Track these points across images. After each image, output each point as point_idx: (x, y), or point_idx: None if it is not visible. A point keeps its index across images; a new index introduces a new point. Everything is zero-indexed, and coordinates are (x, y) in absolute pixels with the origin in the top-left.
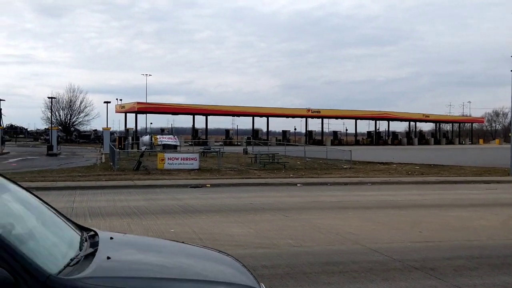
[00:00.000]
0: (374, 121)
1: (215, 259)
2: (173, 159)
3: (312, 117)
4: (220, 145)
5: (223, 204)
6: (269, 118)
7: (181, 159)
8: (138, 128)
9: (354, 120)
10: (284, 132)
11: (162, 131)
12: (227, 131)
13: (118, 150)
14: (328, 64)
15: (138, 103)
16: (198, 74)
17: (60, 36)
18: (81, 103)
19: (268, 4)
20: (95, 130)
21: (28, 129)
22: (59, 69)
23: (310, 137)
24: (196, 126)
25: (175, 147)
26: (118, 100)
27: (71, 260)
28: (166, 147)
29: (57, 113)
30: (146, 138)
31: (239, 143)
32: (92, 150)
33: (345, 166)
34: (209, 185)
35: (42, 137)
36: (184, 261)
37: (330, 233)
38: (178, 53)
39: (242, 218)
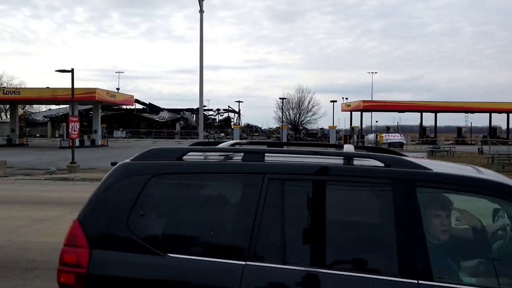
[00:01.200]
0: None
1: None
2: None
3: None
4: (451, 143)
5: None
6: (510, 114)
7: None
8: (363, 126)
9: None
10: None
11: (387, 129)
12: (459, 129)
13: None
14: None
15: (364, 101)
16: (427, 70)
17: (292, 40)
18: (309, 102)
19: None
20: (322, 128)
21: (262, 128)
22: (290, 71)
23: None
24: (424, 123)
25: (401, 145)
26: (344, 99)
27: None
28: (392, 146)
29: (287, 113)
30: (371, 136)
31: (473, 142)
32: None
33: None
34: None
35: (274, 135)
36: None
37: None
38: (406, 49)
39: None
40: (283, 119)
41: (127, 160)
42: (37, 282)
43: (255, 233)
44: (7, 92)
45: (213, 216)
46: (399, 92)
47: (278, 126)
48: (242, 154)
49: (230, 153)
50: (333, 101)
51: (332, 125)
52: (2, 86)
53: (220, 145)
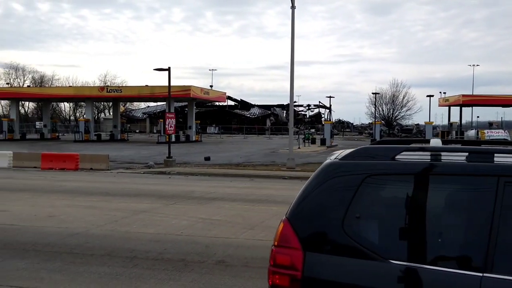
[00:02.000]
0: None
1: None
2: None
3: None
4: None
5: None
6: None
7: None
8: (463, 122)
9: None
10: None
11: (490, 125)
12: None
13: None
14: None
15: (463, 95)
16: None
17: (386, 33)
18: (403, 97)
19: None
20: (417, 124)
21: (354, 124)
22: (383, 65)
23: None
24: None
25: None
26: (442, 93)
27: None
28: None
29: (380, 108)
30: (471, 132)
31: None
32: None
33: None
34: None
35: (366, 131)
36: None
37: None
38: None
39: None
40: (376, 115)
41: (335, 159)
42: (136, 271)
43: (493, 242)
44: (110, 91)
45: (437, 221)
46: (503, 86)
47: (370, 121)
48: (462, 153)
49: (444, 153)
50: (430, 96)
51: (428, 120)
52: (106, 85)
53: (432, 143)
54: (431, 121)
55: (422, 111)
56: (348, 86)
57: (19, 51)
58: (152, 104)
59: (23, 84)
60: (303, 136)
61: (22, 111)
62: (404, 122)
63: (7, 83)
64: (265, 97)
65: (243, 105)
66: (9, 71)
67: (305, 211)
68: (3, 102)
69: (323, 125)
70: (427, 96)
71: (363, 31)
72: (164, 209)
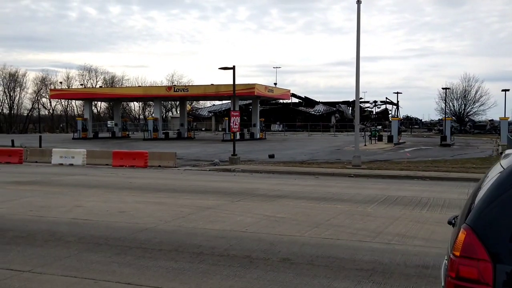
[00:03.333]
0: None
1: None
2: None
3: None
4: None
5: None
6: None
7: None
8: None
9: None
10: None
11: None
12: None
13: None
14: None
15: None
16: None
17: (458, 25)
18: (476, 92)
19: None
20: (491, 120)
21: (423, 120)
22: (455, 59)
23: None
24: None
25: None
26: None
27: None
28: None
29: (450, 104)
30: None
31: None
32: (488, 141)
33: None
34: None
35: (435, 128)
36: None
37: None
38: None
39: None
40: (446, 110)
41: None
42: (202, 266)
43: None
44: (177, 90)
45: None
46: None
47: (440, 117)
48: None
49: None
50: (505, 90)
51: (503, 116)
52: (173, 84)
53: None
54: (506, 116)
55: (497, 106)
56: (417, 81)
57: (92, 53)
58: (217, 102)
59: (95, 85)
60: (369, 133)
61: (95, 110)
62: (477, 118)
63: (81, 84)
64: (330, 94)
65: (308, 102)
66: (83, 72)
67: (493, 218)
68: (78, 102)
69: (390, 121)
70: (502, 90)
71: (434, 24)
72: (229, 206)
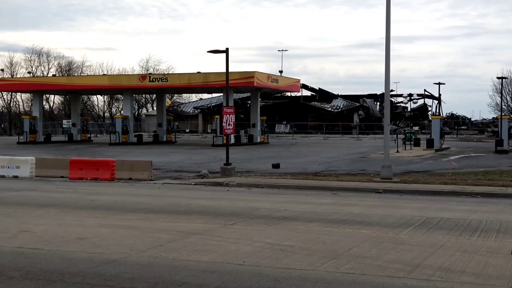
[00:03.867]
0: None
1: None
2: None
3: None
4: None
5: None
6: None
7: None
8: None
9: None
10: None
11: None
12: None
13: None
14: None
15: None
16: None
17: None
18: None
19: None
20: None
21: (472, 119)
22: None
23: None
24: None
25: None
26: None
27: None
28: None
29: (508, 97)
30: None
31: None
32: None
33: None
34: None
35: (489, 129)
36: None
37: None
38: None
39: None
40: (503, 107)
41: None
42: None
43: None
44: (154, 79)
45: None
46: None
47: (495, 116)
48: None
49: None
50: None
51: None
52: (148, 72)
53: None
54: None
55: None
56: (464, 68)
57: (42, 31)
58: (206, 96)
59: (47, 73)
60: (403, 136)
61: (47, 106)
62: None
63: (29, 72)
64: (352, 84)
65: (323, 95)
66: (30, 57)
67: None
68: (24, 95)
69: (430, 121)
70: None
71: None
72: (221, 231)
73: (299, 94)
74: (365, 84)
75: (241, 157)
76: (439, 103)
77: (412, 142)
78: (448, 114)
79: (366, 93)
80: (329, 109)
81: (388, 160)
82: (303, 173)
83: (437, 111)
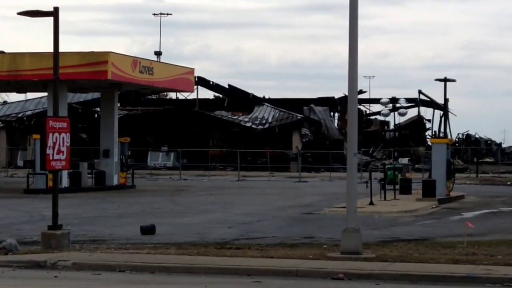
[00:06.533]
0: None
1: None
2: None
3: None
4: None
5: None
6: None
7: None
8: None
9: None
10: None
11: None
12: None
13: None
14: None
15: None
16: None
17: None
18: None
19: None
20: None
21: (503, 144)
22: None
23: None
24: None
25: None
26: None
27: None
28: None
29: None
30: None
31: None
32: None
33: None
34: None
35: None
36: None
37: None
38: None
39: None
40: None
41: None
42: None
43: None
44: None
45: None
46: None
47: None
48: None
49: None
50: None
51: None
52: None
53: None
54: None
55: None
56: (486, 53)
57: None
58: (14, 97)
59: None
60: (381, 175)
61: None
62: None
63: None
64: (292, 79)
65: (237, 99)
66: None
67: None
68: None
69: (428, 146)
70: None
71: None
72: None
73: (193, 95)
74: (314, 79)
75: (83, 213)
76: (445, 115)
77: (397, 186)
78: (461, 135)
79: (315, 96)
80: (249, 124)
81: (355, 219)
82: (200, 243)
83: (442, 129)
